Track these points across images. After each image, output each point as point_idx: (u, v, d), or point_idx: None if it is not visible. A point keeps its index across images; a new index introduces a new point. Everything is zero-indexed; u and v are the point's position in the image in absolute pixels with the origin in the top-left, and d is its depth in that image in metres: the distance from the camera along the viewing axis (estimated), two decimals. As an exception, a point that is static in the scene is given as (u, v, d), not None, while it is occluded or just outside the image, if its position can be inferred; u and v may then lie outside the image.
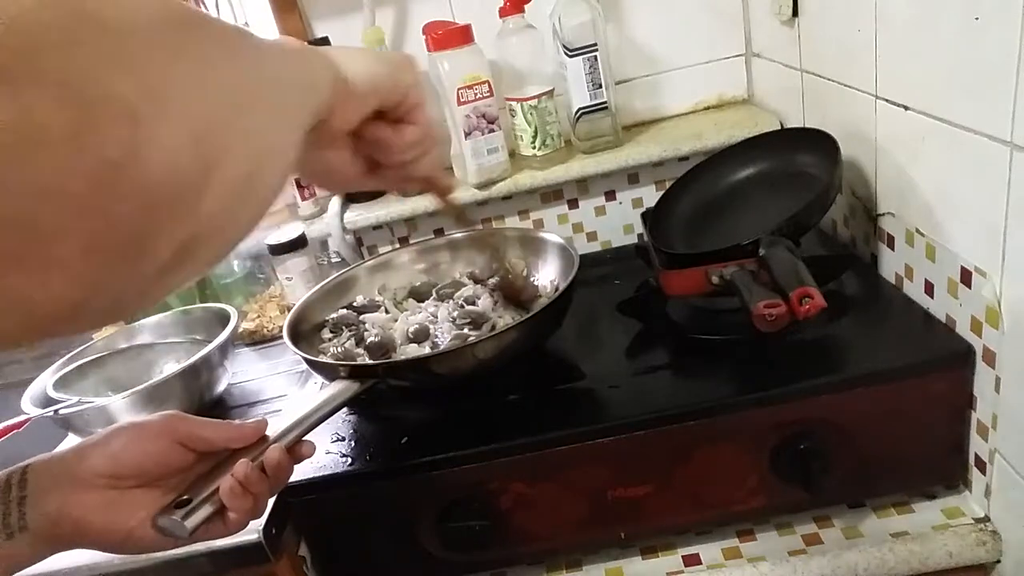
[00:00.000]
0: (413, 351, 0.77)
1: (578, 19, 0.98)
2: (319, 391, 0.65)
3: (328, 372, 0.73)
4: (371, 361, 0.75)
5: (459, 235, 0.97)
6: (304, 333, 0.83)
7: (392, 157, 0.49)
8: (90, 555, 0.67)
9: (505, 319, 0.79)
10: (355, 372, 0.67)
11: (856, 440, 0.65)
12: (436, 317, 0.82)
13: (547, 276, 0.88)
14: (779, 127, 1.02)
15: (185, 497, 0.50)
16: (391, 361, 0.74)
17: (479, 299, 0.83)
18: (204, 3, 0.92)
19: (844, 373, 0.65)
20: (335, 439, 0.72)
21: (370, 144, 0.49)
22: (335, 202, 1.09)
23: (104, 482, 0.48)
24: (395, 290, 0.93)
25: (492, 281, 0.86)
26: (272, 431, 0.55)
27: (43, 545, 0.48)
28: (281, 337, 1.03)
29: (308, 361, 0.73)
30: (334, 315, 0.87)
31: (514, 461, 0.66)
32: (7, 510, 0.46)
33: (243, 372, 0.97)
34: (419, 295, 0.91)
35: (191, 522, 0.49)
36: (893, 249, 0.76)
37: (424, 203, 1.06)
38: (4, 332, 0.23)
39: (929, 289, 0.69)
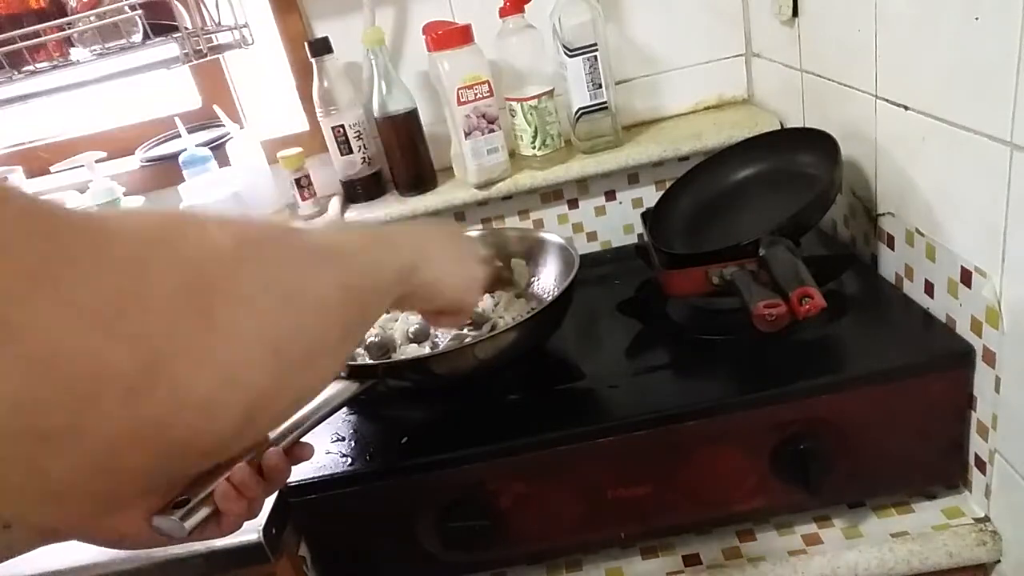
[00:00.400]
0: (413, 351, 0.77)
1: (578, 19, 0.98)
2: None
3: None
4: (371, 361, 0.75)
5: (459, 235, 0.96)
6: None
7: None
8: (89, 554, 0.68)
9: (506, 319, 0.79)
10: (354, 372, 0.67)
11: (856, 440, 0.65)
12: None
13: (548, 276, 0.88)
14: (779, 127, 1.02)
15: (183, 497, 0.50)
16: (391, 361, 0.74)
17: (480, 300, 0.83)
18: (204, 3, 0.92)
19: (844, 373, 0.66)
20: (335, 439, 0.72)
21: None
22: (335, 202, 1.09)
23: None
24: None
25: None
26: (271, 432, 0.55)
27: (39, 537, 0.48)
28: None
29: None
30: None
31: (514, 461, 0.66)
32: None
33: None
34: None
35: (190, 523, 0.49)
36: (893, 249, 0.76)
37: (424, 203, 1.06)
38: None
39: (929, 289, 0.69)
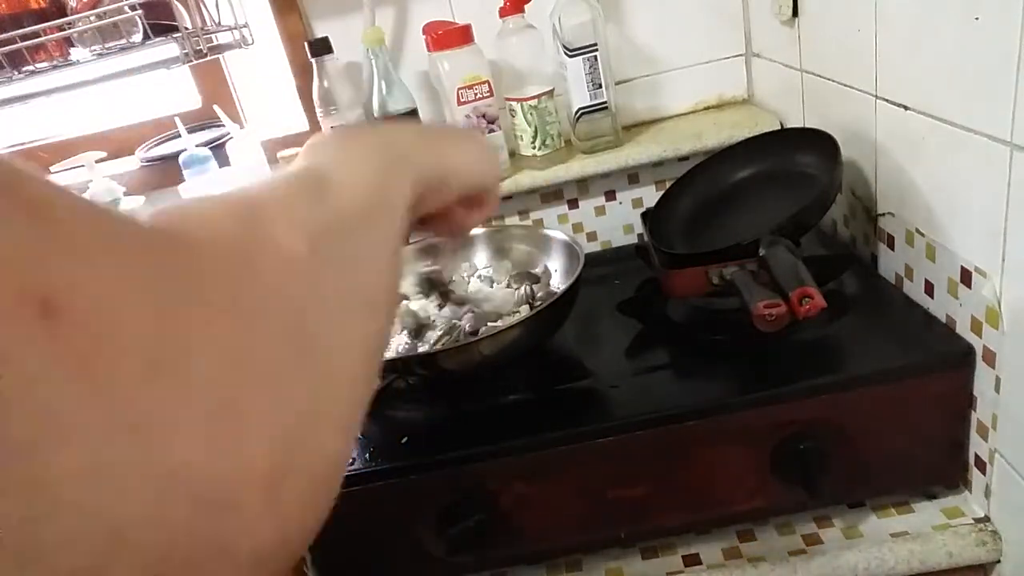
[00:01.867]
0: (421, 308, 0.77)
1: (578, 19, 0.98)
2: None
3: None
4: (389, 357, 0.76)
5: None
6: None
7: (450, 226, 0.46)
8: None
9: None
10: None
11: (856, 440, 0.65)
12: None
13: (553, 272, 0.89)
14: (779, 127, 1.02)
15: None
16: (398, 357, 0.74)
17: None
18: (204, 3, 0.92)
19: (844, 373, 0.66)
20: (335, 439, 0.72)
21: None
22: (335, 202, 1.09)
23: None
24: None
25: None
26: None
27: None
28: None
29: None
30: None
31: (514, 461, 0.66)
32: None
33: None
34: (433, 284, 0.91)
35: None
36: (893, 249, 0.76)
37: (424, 203, 1.06)
38: None
39: (929, 289, 0.69)
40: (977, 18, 0.54)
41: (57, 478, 0.15)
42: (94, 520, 0.15)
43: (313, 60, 1.03)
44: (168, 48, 0.86)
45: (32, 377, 0.15)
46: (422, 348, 0.78)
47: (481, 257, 0.94)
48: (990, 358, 0.61)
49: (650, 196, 1.08)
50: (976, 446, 0.65)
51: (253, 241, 0.23)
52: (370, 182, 0.31)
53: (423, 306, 0.84)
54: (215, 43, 0.92)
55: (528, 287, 0.83)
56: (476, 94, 1.00)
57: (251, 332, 0.20)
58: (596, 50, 0.99)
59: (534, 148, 1.04)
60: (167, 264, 0.19)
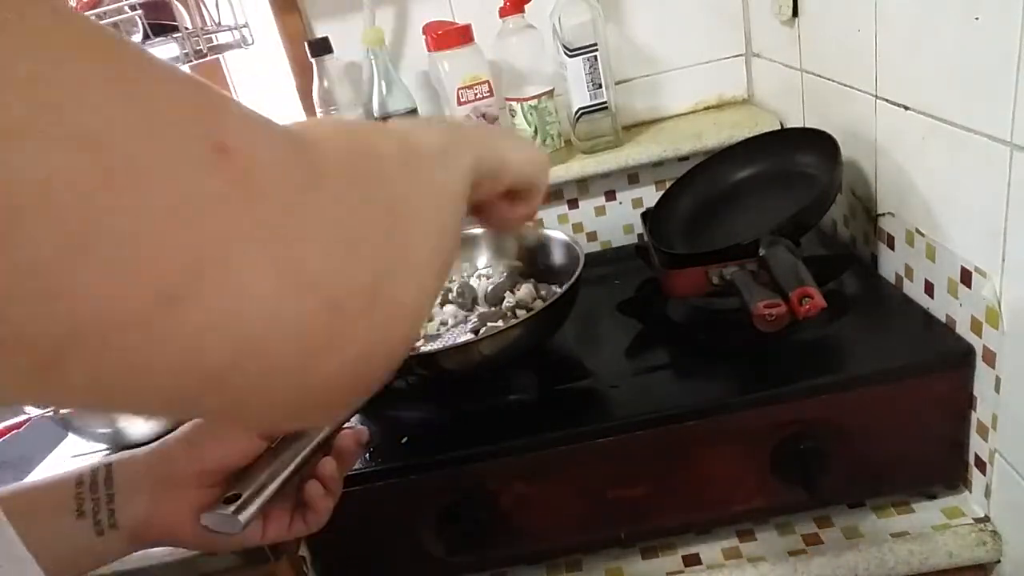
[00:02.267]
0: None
1: (578, 19, 0.98)
2: None
3: None
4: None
5: (463, 233, 0.96)
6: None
7: (494, 218, 0.49)
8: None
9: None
10: None
11: (856, 440, 0.65)
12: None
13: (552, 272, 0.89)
14: (779, 127, 1.02)
15: (233, 492, 0.49)
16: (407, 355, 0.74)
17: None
18: (204, 3, 0.92)
19: (844, 373, 0.66)
20: (335, 439, 0.72)
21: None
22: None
23: (192, 482, 0.49)
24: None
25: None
26: (299, 431, 0.55)
27: (131, 543, 0.49)
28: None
29: None
30: None
31: (514, 461, 0.66)
32: (96, 507, 0.47)
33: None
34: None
35: (244, 516, 0.48)
36: (893, 249, 0.76)
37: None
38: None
39: (929, 289, 0.69)
40: (977, 18, 0.54)
41: (237, 279, 0.20)
42: (253, 313, 0.21)
43: (313, 60, 1.03)
44: (168, 48, 0.86)
45: (217, 196, 0.20)
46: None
47: (481, 258, 0.94)
48: (990, 358, 0.61)
49: (650, 196, 1.08)
50: (976, 446, 0.65)
51: (362, 144, 0.29)
52: (437, 138, 0.36)
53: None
54: (215, 43, 0.92)
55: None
56: (476, 94, 1.00)
57: (366, 197, 0.26)
58: (596, 50, 0.99)
59: (534, 148, 1.04)
60: (300, 144, 0.25)
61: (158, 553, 0.65)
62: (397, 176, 0.30)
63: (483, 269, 0.92)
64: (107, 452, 0.86)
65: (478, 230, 0.93)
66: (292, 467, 0.53)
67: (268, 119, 0.24)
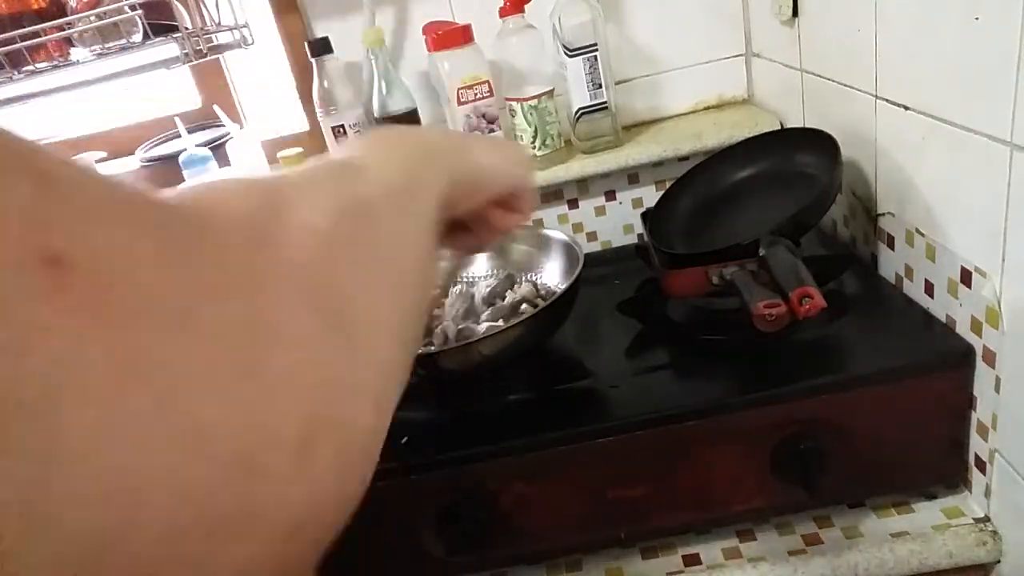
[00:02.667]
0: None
1: (578, 19, 0.98)
2: None
3: None
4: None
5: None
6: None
7: (488, 229, 0.46)
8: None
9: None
10: None
11: (856, 440, 0.65)
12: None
13: (552, 272, 0.89)
14: (779, 127, 1.02)
15: None
16: None
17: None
18: (204, 3, 0.92)
19: (844, 373, 0.65)
20: (335, 439, 0.72)
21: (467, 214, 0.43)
22: (335, 202, 1.09)
23: None
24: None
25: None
26: None
27: None
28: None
29: None
30: None
31: (514, 461, 0.66)
32: None
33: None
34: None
35: None
36: (893, 249, 0.76)
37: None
38: None
39: (929, 289, 0.69)
40: (977, 18, 0.54)
41: (72, 434, 0.14)
42: (111, 478, 0.15)
43: (313, 60, 1.03)
44: (168, 48, 0.86)
45: (44, 327, 0.14)
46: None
47: (480, 265, 0.94)
48: (990, 358, 0.61)
49: (650, 196, 1.08)
50: (976, 446, 0.65)
51: (273, 216, 0.23)
52: (399, 167, 0.32)
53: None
54: (215, 43, 0.92)
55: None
56: (476, 94, 1.00)
57: (272, 300, 0.20)
58: (596, 50, 0.99)
59: (534, 148, 1.04)
60: (181, 229, 0.19)
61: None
62: (340, 255, 0.24)
63: (483, 274, 0.92)
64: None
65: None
66: None
67: (137, 193, 0.18)
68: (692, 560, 0.69)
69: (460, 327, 0.79)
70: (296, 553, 0.21)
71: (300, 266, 0.22)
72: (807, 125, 0.93)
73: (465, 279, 0.92)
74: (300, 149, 1.10)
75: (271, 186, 0.25)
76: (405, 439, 0.70)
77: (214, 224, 0.21)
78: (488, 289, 0.86)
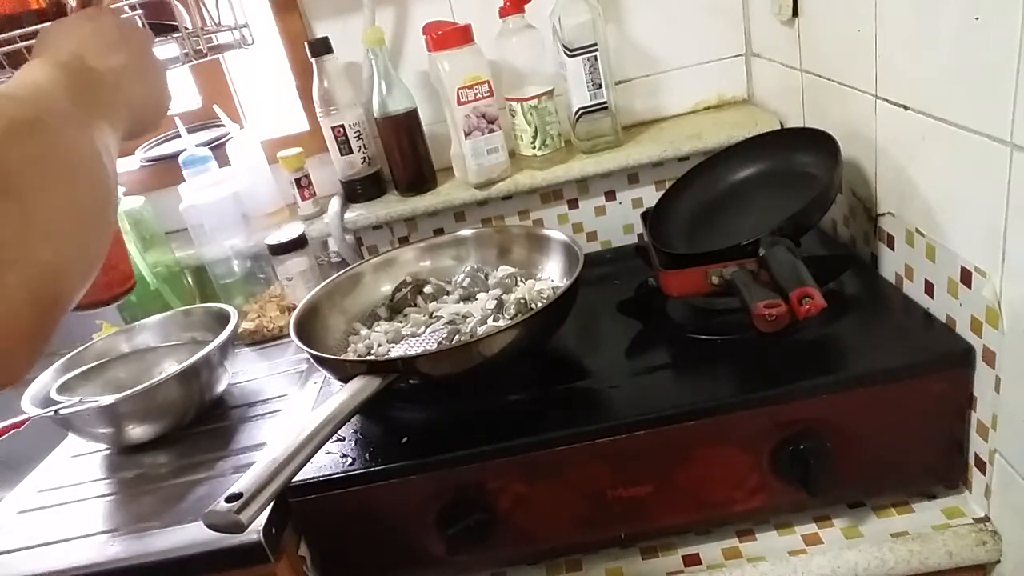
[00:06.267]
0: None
1: (578, 19, 0.98)
2: (340, 389, 0.66)
3: (339, 369, 0.73)
4: (393, 356, 0.76)
5: (463, 233, 0.97)
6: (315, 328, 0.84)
7: None
8: (88, 555, 0.68)
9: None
10: (376, 367, 0.67)
11: (856, 440, 0.65)
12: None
13: (552, 272, 0.89)
14: (779, 127, 1.02)
15: (235, 491, 0.49)
16: (407, 356, 0.74)
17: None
18: (204, 3, 0.92)
19: (844, 373, 0.65)
20: (335, 439, 0.72)
21: None
22: (335, 202, 1.09)
23: None
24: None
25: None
26: (301, 433, 0.56)
27: None
28: (281, 337, 1.04)
29: (320, 359, 0.74)
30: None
31: (514, 461, 0.66)
32: None
33: (243, 372, 0.97)
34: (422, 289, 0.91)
35: (247, 515, 0.48)
36: (893, 249, 0.76)
37: (424, 203, 1.07)
38: None
39: (929, 289, 0.69)
40: (977, 18, 0.54)
41: None
42: None
43: (313, 60, 1.03)
44: (168, 48, 0.86)
45: None
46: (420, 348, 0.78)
47: (481, 257, 0.95)
48: (990, 358, 0.61)
49: (650, 196, 1.08)
50: (976, 446, 0.65)
51: None
52: (67, 107, 0.41)
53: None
54: (215, 43, 0.92)
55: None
56: (476, 94, 1.00)
57: None
58: (596, 50, 0.99)
59: (534, 148, 1.04)
60: None
61: (159, 548, 0.65)
62: (14, 148, 0.34)
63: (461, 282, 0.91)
64: (107, 452, 0.86)
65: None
66: (295, 465, 0.54)
67: None
68: (692, 560, 0.69)
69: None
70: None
71: None
72: (807, 125, 0.93)
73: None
74: (300, 149, 1.10)
75: None
76: (405, 439, 0.70)
77: None
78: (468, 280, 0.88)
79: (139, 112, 0.52)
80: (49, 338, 0.34)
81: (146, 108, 0.54)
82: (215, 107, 1.14)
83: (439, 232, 1.10)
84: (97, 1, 0.61)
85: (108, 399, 0.79)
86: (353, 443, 0.72)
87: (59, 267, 0.34)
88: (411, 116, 1.06)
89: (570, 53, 0.99)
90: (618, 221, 1.11)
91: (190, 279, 1.15)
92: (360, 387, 0.64)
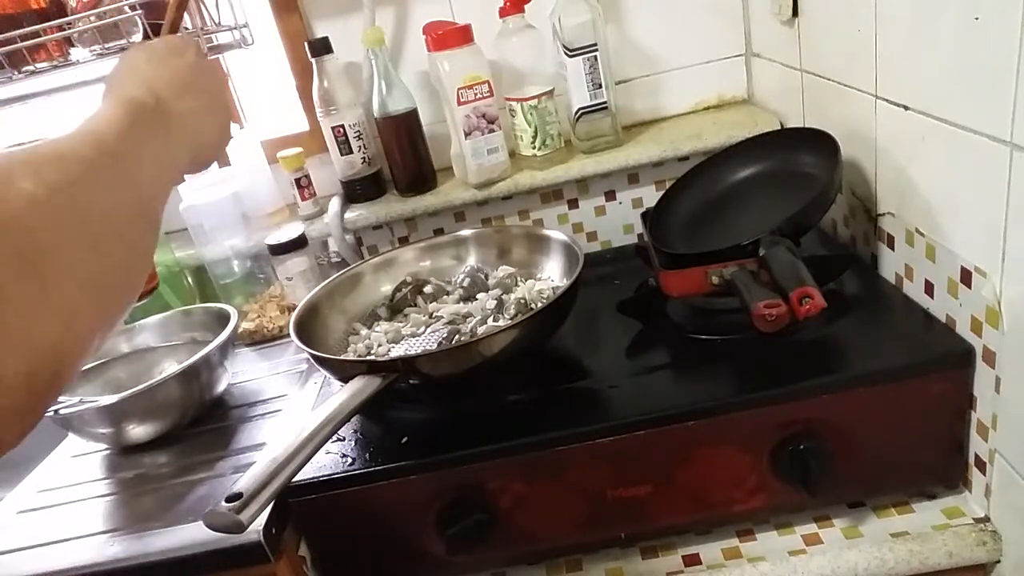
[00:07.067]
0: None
1: (578, 19, 0.98)
2: (340, 389, 0.66)
3: (339, 369, 0.73)
4: (392, 356, 0.76)
5: (463, 233, 0.97)
6: (316, 328, 0.84)
7: None
8: (89, 555, 0.68)
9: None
10: (376, 367, 0.67)
11: (856, 440, 0.65)
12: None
13: (552, 272, 0.89)
14: (779, 127, 1.02)
15: (235, 492, 0.49)
16: (408, 356, 0.74)
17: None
18: (204, 3, 0.92)
19: (844, 373, 0.65)
20: (335, 439, 0.72)
21: None
22: (335, 202, 1.09)
23: None
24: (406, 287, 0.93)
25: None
26: (301, 433, 0.56)
27: None
28: (281, 337, 1.04)
29: (320, 359, 0.74)
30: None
31: (514, 461, 0.66)
32: None
33: (243, 372, 0.97)
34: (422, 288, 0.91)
35: (246, 516, 0.48)
36: (893, 249, 0.76)
37: (424, 203, 1.07)
38: None
39: (929, 289, 0.69)
40: (977, 18, 0.54)
41: None
42: None
43: (313, 60, 1.03)
44: (168, 48, 0.86)
45: None
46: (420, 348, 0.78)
47: (481, 257, 0.95)
48: (990, 358, 0.61)
49: (650, 196, 1.08)
50: (976, 446, 0.65)
51: None
52: (126, 140, 0.42)
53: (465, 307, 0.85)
54: (215, 43, 0.92)
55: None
56: (476, 94, 1.00)
57: None
58: (596, 50, 0.99)
59: (534, 148, 1.04)
60: None
61: (159, 548, 0.66)
62: (47, 218, 0.32)
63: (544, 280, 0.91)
64: (107, 452, 0.86)
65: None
66: (295, 465, 0.54)
67: None
68: (692, 560, 0.69)
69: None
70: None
71: (8, 221, 0.31)
72: (807, 125, 0.93)
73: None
74: (300, 149, 1.10)
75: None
76: (405, 439, 0.70)
77: None
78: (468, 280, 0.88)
79: (200, 152, 0.52)
80: (43, 412, 0.33)
81: (208, 148, 0.54)
82: (215, 107, 1.14)
83: (439, 232, 1.10)
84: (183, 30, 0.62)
85: (108, 399, 0.79)
86: (353, 443, 0.72)
87: (64, 346, 0.33)
88: (411, 116, 1.06)
89: (570, 53, 0.99)
90: (618, 221, 1.11)
91: (190, 279, 1.15)
92: (360, 387, 0.64)
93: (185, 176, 0.49)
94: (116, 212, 0.37)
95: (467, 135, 1.01)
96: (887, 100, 0.71)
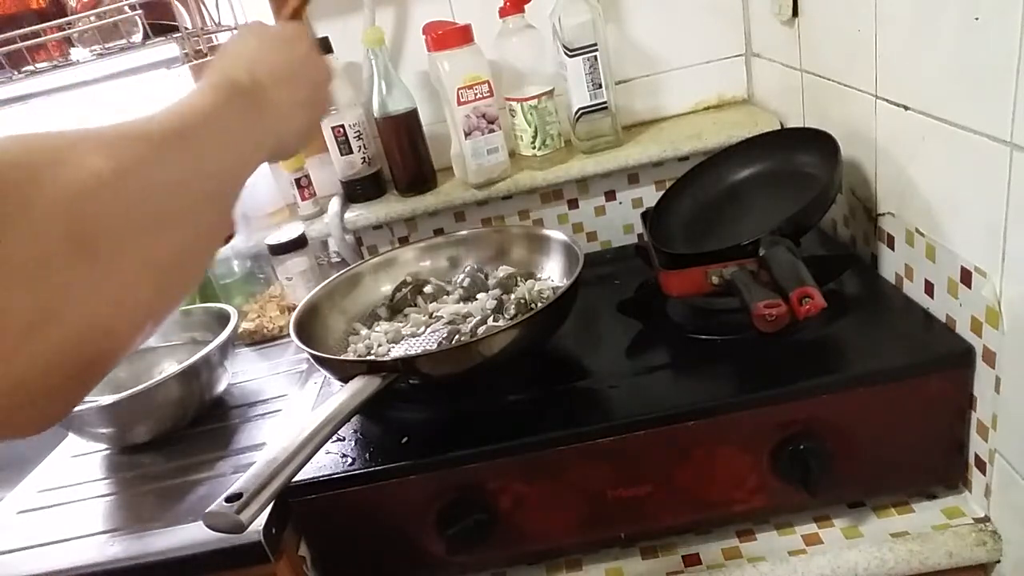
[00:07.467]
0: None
1: (578, 19, 0.98)
2: (340, 389, 0.66)
3: (339, 369, 0.73)
4: (392, 356, 0.76)
5: (463, 233, 0.97)
6: (316, 328, 0.84)
7: None
8: (89, 555, 0.68)
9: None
10: (376, 367, 0.67)
11: (856, 440, 0.65)
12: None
13: (552, 273, 0.89)
14: (779, 127, 1.02)
15: (236, 491, 0.49)
16: (407, 356, 0.74)
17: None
18: (204, 3, 0.92)
19: (844, 373, 0.65)
20: (335, 439, 0.72)
21: None
22: (335, 202, 1.09)
23: None
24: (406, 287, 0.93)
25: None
26: (301, 432, 0.56)
27: None
28: (281, 337, 1.04)
29: (320, 359, 0.74)
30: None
31: (514, 461, 0.66)
32: None
33: (243, 372, 0.97)
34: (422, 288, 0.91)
35: (247, 515, 0.48)
36: (893, 249, 0.76)
37: (424, 203, 1.07)
38: None
39: (929, 289, 0.69)
40: (977, 18, 0.54)
41: None
42: None
43: (313, 60, 1.03)
44: (168, 48, 0.86)
45: None
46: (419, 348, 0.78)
47: (481, 257, 0.95)
48: (990, 358, 0.61)
49: (650, 196, 1.08)
50: (976, 446, 0.65)
51: (53, 155, 0.30)
52: (207, 120, 0.40)
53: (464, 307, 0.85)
54: (215, 43, 0.92)
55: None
56: (476, 94, 1.00)
57: (27, 220, 0.28)
58: (596, 50, 0.99)
59: (534, 148, 1.04)
60: None
61: (159, 548, 0.66)
62: (108, 194, 0.31)
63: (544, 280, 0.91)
64: (107, 452, 0.86)
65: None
66: (295, 465, 0.54)
67: None
68: (692, 560, 0.69)
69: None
70: (33, 404, 0.29)
71: (63, 199, 0.29)
72: (807, 125, 0.93)
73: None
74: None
75: (57, 133, 0.32)
76: (405, 439, 0.70)
77: None
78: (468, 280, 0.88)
79: (284, 144, 0.50)
80: (82, 396, 0.31)
81: (292, 142, 0.52)
82: (215, 107, 1.14)
83: (439, 232, 1.10)
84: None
85: (108, 399, 0.79)
86: (353, 443, 0.72)
87: (112, 326, 0.31)
88: (411, 116, 1.06)
89: (570, 53, 0.99)
90: (618, 221, 1.11)
91: (190, 279, 1.15)
92: (360, 387, 0.64)
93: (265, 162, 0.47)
94: (186, 195, 0.36)
95: (467, 135, 1.01)
96: (887, 100, 0.71)
